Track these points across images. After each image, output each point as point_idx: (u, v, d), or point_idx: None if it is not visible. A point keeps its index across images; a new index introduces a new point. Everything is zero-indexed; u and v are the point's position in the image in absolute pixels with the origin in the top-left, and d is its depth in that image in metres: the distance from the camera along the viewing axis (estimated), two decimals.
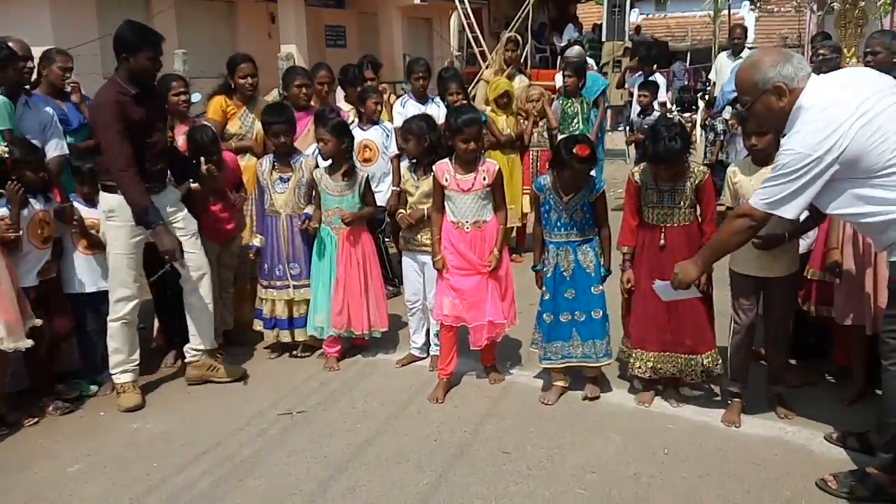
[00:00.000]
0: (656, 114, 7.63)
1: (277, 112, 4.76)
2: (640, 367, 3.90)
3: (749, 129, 3.64)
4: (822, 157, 2.80)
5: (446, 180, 4.13)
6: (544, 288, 4.08)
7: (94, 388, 4.36)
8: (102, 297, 4.25)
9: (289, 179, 4.73)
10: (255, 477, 3.42)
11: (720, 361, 3.84)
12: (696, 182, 3.73)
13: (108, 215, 4.11)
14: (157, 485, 3.38)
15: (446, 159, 4.18)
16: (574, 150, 3.75)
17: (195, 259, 4.30)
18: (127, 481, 3.42)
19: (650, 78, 8.67)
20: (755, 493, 3.18)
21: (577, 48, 9.24)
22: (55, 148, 4.50)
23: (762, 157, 3.59)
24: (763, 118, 3.10)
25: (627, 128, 7.19)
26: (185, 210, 4.34)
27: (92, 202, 4.35)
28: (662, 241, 3.75)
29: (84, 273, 4.32)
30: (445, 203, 4.18)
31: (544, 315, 4.08)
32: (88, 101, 5.07)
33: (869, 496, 3.06)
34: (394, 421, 3.92)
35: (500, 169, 4.24)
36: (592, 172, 3.99)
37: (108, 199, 4.09)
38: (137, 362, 4.29)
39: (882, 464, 3.09)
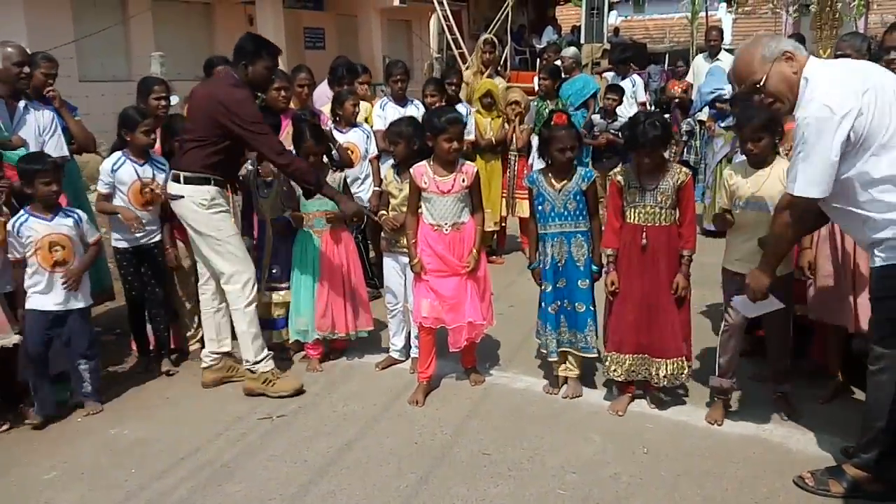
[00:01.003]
0: (622, 120, 7.43)
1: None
2: (615, 371, 3.90)
3: (745, 135, 3.65)
4: (840, 118, 2.78)
5: (425, 183, 4.13)
6: (544, 282, 4.10)
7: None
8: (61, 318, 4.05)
9: (272, 184, 4.75)
10: (235, 482, 3.40)
11: (685, 371, 3.83)
12: (678, 182, 3.75)
13: (209, 204, 4.15)
14: (135, 491, 3.35)
15: (424, 162, 4.18)
16: (552, 121, 3.94)
17: (201, 263, 4.38)
18: (104, 488, 3.39)
19: (618, 83, 8.67)
20: (733, 490, 3.21)
21: (572, 49, 9.22)
22: (55, 149, 4.49)
23: (759, 160, 3.64)
24: (779, 90, 3.00)
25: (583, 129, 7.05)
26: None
27: (51, 214, 4.02)
28: (644, 241, 3.76)
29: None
30: (424, 205, 4.17)
31: (549, 307, 4.09)
32: (70, 107, 5.06)
33: (844, 493, 3.09)
34: (374, 424, 3.91)
35: (477, 171, 4.26)
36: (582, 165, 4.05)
37: (205, 190, 4.16)
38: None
39: (860, 462, 3.12)
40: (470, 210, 4.20)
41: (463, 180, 4.13)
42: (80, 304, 4.10)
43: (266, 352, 4.33)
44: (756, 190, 3.62)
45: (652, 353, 3.83)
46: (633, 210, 3.81)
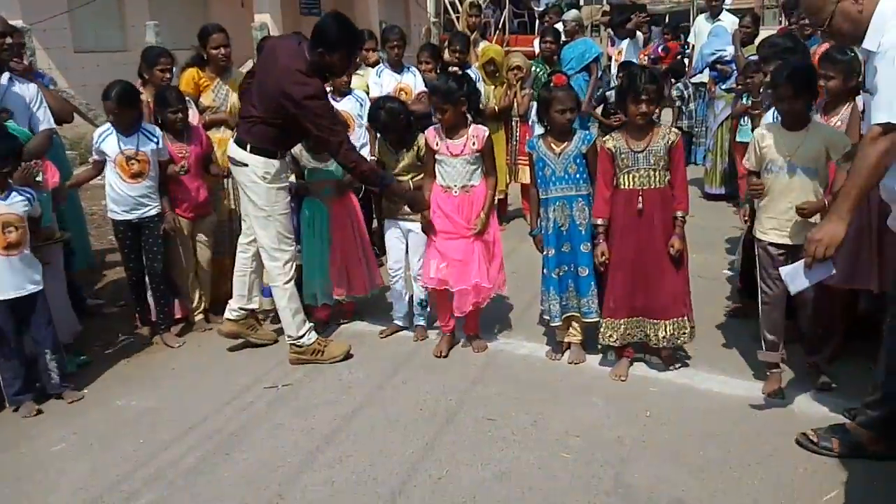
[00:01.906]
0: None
1: None
2: (610, 336, 3.91)
3: (779, 95, 3.54)
4: None
5: (437, 144, 4.18)
6: (546, 247, 4.10)
7: (82, 358, 4.37)
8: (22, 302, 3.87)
9: None
10: (242, 450, 3.44)
11: (686, 331, 3.85)
12: (669, 142, 3.73)
13: (272, 178, 4.13)
14: (143, 461, 3.39)
15: (437, 125, 4.24)
16: (552, 82, 3.94)
17: (248, 224, 4.34)
18: (113, 458, 3.43)
19: (618, 44, 8.57)
20: (736, 452, 3.24)
21: (574, 12, 9.09)
22: (44, 122, 4.45)
23: (793, 121, 3.55)
24: (844, 31, 2.88)
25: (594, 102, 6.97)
26: None
27: (3, 193, 3.80)
28: (640, 205, 3.74)
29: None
30: (437, 167, 4.22)
31: (552, 273, 4.10)
32: (41, 77, 5.02)
33: (848, 452, 3.12)
34: (379, 391, 3.94)
35: (489, 134, 4.25)
36: (579, 127, 4.05)
37: (272, 164, 4.12)
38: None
39: (865, 421, 3.13)
40: (481, 173, 4.22)
41: (473, 143, 4.16)
42: (37, 288, 3.88)
43: (307, 325, 4.33)
44: (791, 154, 3.52)
45: (651, 316, 3.84)
46: (626, 175, 3.77)
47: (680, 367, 4.00)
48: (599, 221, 3.88)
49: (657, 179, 3.75)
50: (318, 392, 3.97)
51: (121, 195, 4.46)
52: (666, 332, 3.83)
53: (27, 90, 4.44)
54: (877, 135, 2.69)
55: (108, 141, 4.42)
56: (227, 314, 4.49)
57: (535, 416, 3.60)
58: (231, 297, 4.49)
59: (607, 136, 3.94)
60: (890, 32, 2.71)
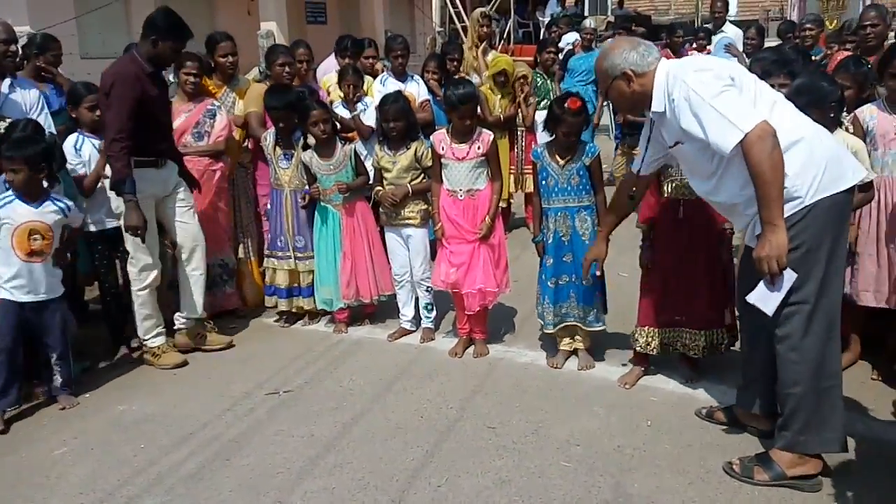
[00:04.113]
0: None
1: (277, 98, 4.80)
2: (648, 345, 3.87)
3: (797, 104, 3.52)
4: (720, 79, 2.85)
5: (443, 149, 4.25)
6: (546, 255, 4.11)
7: (83, 364, 4.38)
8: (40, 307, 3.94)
9: (292, 157, 4.85)
10: (243, 456, 3.44)
11: (725, 342, 3.83)
12: None
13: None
14: (144, 466, 3.39)
15: (443, 129, 4.32)
16: (566, 105, 3.88)
17: (190, 229, 4.51)
18: (114, 463, 3.43)
19: None
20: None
21: (590, 21, 9.12)
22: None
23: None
24: (617, 101, 3.28)
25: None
26: (185, 185, 4.52)
27: (38, 201, 3.90)
28: (681, 215, 3.71)
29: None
30: (442, 171, 4.29)
31: (548, 281, 4.11)
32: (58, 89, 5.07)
33: (769, 481, 3.02)
34: (380, 398, 3.94)
35: (494, 139, 4.32)
36: (586, 137, 4.04)
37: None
38: (163, 325, 4.51)
39: (784, 444, 3.04)
40: (487, 177, 4.25)
41: (479, 148, 4.21)
42: (55, 295, 3.96)
43: (157, 330, 4.45)
44: None
45: (690, 326, 3.81)
46: (669, 184, 3.74)
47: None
48: (643, 227, 3.87)
49: None
50: (318, 399, 3.97)
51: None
52: (706, 341, 3.80)
53: (27, 97, 4.48)
54: (749, 145, 2.74)
55: (86, 147, 4.47)
56: (175, 327, 4.61)
57: (536, 425, 3.60)
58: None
59: None
60: (678, 89, 2.92)
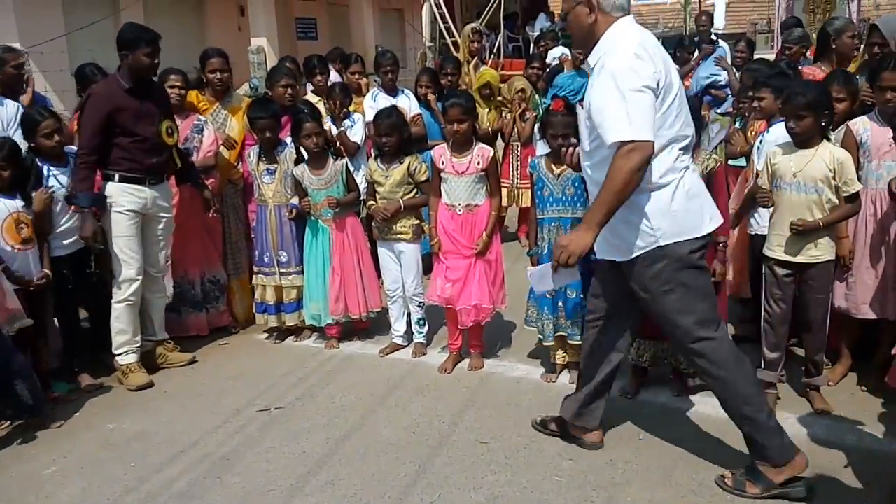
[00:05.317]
0: None
1: (262, 108, 4.85)
2: (642, 357, 3.89)
3: (787, 112, 3.55)
4: (648, 80, 2.81)
5: (443, 163, 4.27)
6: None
7: (67, 387, 4.32)
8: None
9: (275, 171, 4.84)
10: (234, 474, 3.42)
11: None
12: (708, 168, 3.69)
13: (107, 202, 4.29)
14: (134, 485, 3.37)
15: (443, 144, 4.35)
16: (550, 107, 3.99)
17: (162, 256, 4.59)
18: (104, 482, 3.41)
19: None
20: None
21: None
22: (21, 143, 4.40)
23: (803, 139, 3.56)
24: (573, 28, 3.09)
25: None
26: (171, 213, 4.59)
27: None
28: None
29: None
30: (442, 185, 4.31)
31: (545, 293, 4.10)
32: (38, 97, 5.07)
33: (760, 494, 3.04)
34: (372, 414, 3.93)
35: (494, 155, 4.34)
36: None
37: (107, 188, 4.30)
38: (139, 343, 4.47)
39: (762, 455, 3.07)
40: (486, 192, 4.28)
41: (478, 162, 4.23)
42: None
43: (128, 348, 4.42)
44: (799, 170, 3.55)
45: None
46: None
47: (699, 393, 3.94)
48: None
49: None
50: (310, 415, 3.96)
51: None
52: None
53: (5, 111, 4.47)
54: (626, 151, 2.77)
55: (52, 180, 4.27)
56: (138, 345, 4.56)
57: (528, 440, 3.60)
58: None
59: None
60: (615, 58, 2.87)
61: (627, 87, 2.79)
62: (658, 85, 2.84)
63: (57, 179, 4.26)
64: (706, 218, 3.05)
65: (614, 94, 2.80)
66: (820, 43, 5.29)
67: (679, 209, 2.96)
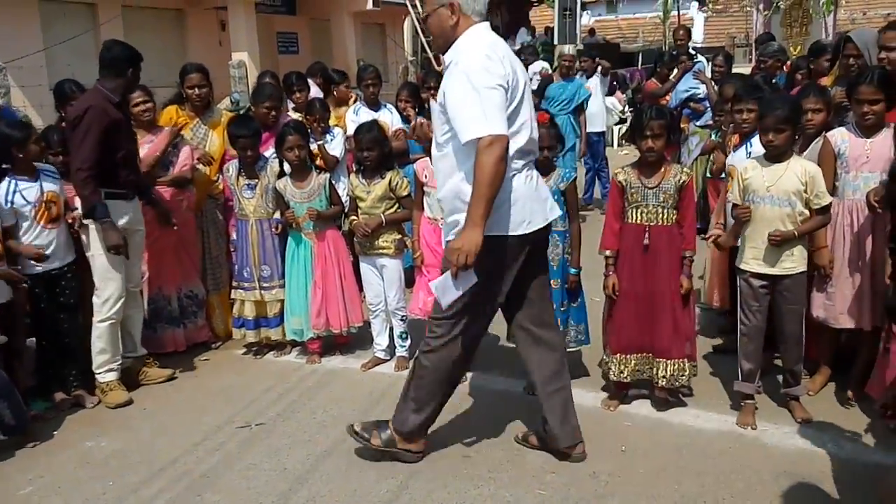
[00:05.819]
0: None
1: (244, 125, 4.83)
2: (620, 372, 3.86)
3: (766, 125, 3.57)
4: (500, 80, 3.00)
5: (426, 177, 4.27)
6: None
7: (45, 405, 4.26)
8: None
9: (255, 186, 4.82)
10: (214, 492, 3.38)
11: (687, 372, 3.80)
12: (680, 182, 3.71)
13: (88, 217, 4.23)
14: None
15: (426, 158, 4.34)
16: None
17: (137, 272, 4.58)
18: (82, 501, 3.36)
19: (583, 81, 8.74)
20: (710, 486, 3.24)
21: (570, 47, 9.20)
22: None
23: (777, 153, 3.60)
24: (434, 30, 3.26)
25: None
26: (143, 229, 4.54)
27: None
28: (647, 241, 3.71)
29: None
30: (425, 199, 4.33)
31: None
32: (7, 110, 5.01)
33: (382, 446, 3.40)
34: None
35: None
36: (568, 164, 4.08)
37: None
38: (120, 361, 4.42)
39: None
40: None
41: None
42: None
43: (109, 366, 4.36)
44: (772, 184, 3.58)
45: (654, 354, 3.81)
46: (635, 210, 3.75)
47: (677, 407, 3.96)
48: (608, 253, 3.85)
49: (665, 217, 3.71)
50: (291, 431, 3.92)
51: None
52: (667, 371, 3.79)
53: None
54: (486, 145, 2.93)
55: (19, 193, 4.12)
56: (118, 362, 4.51)
57: (512, 453, 3.59)
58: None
59: (619, 169, 3.91)
60: (468, 57, 3.07)
61: (482, 84, 2.97)
62: (507, 84, 3.03)
63: (23, 195, 4.11)
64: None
65: (469, 92, 2.98)
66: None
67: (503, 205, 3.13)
